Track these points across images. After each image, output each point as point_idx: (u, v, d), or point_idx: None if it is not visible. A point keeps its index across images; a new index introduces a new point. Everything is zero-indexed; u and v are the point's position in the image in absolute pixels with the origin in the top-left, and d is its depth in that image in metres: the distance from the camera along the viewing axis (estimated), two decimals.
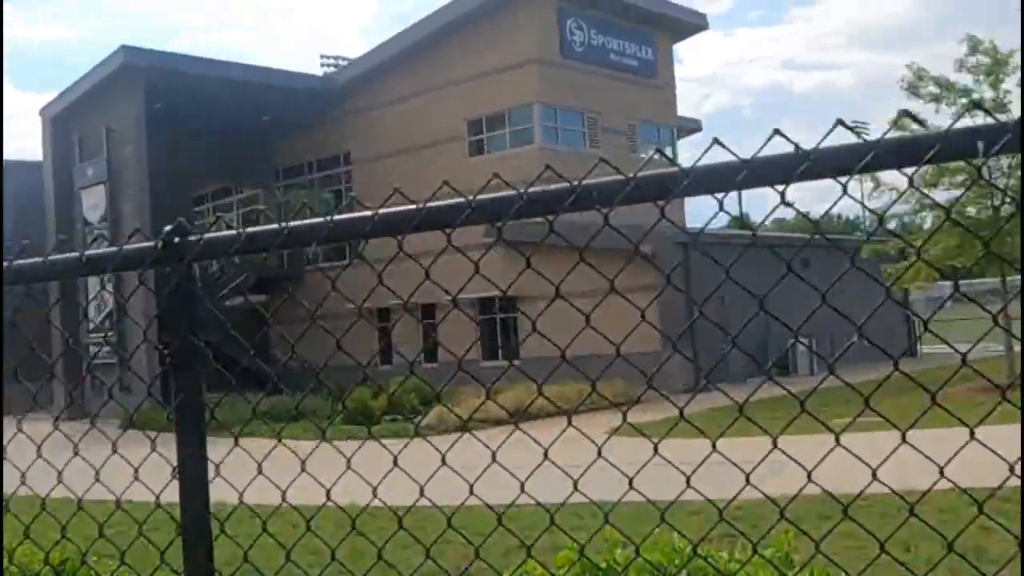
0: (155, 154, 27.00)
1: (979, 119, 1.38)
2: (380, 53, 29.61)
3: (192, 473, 1.81)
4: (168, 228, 1.77)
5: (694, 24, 31.55)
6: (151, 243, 1.80)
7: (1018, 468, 1.30)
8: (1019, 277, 20.41)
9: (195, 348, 1.80)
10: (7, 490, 2.35)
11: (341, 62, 33.30)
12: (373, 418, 17.75)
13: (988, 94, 17.36)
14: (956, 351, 1.46)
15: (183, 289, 1.79)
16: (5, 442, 2.26)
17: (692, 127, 36.89)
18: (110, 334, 27.51)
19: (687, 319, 20.81)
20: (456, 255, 1.71)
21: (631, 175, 1.51)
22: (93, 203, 28.79)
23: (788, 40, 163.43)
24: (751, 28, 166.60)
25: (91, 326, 27.74)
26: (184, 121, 28.27)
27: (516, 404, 17.16)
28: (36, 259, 2.00)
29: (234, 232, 1.74)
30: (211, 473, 1.97)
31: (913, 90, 18.08)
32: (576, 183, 1.55)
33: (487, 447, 1.71)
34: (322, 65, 34.01)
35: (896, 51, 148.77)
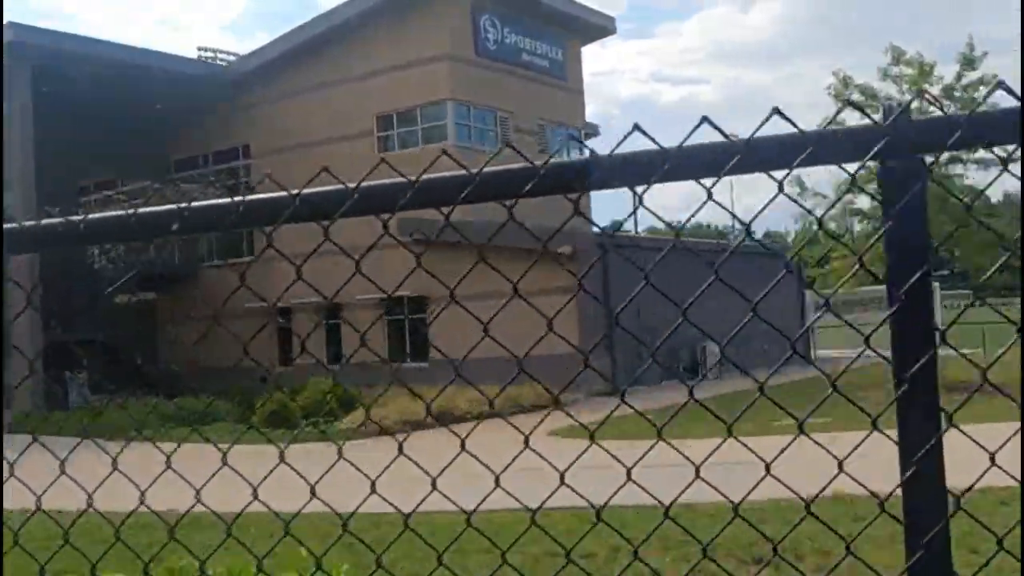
0: (42, 139, 25.29)
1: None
2: (284, 43, 28.62)
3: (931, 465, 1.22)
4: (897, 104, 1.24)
5: (602, 27, 31.86)
6: (869, 123, 1.25)
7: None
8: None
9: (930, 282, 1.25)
10: None
11: (221, 56, 32.00)
12: (292, 421, 17.15)
13: (913, 103, 18.24)
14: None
15: (917, 193, 1.23)
16: None
17: (591, 132, 37.57)
18: None
19: (606, 321, 20.86)
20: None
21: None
22: None
23: (657, 53, 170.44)
24: (623, 40, 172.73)
25: None
26: (73, 105, 26.54)
27: (440, 407, 16.92)
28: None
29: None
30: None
31: (839, 97, 18.79)
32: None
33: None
34: (200, 59, 32.72)
35: (756, 69, 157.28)
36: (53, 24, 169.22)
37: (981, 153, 17.77)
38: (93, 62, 26.03)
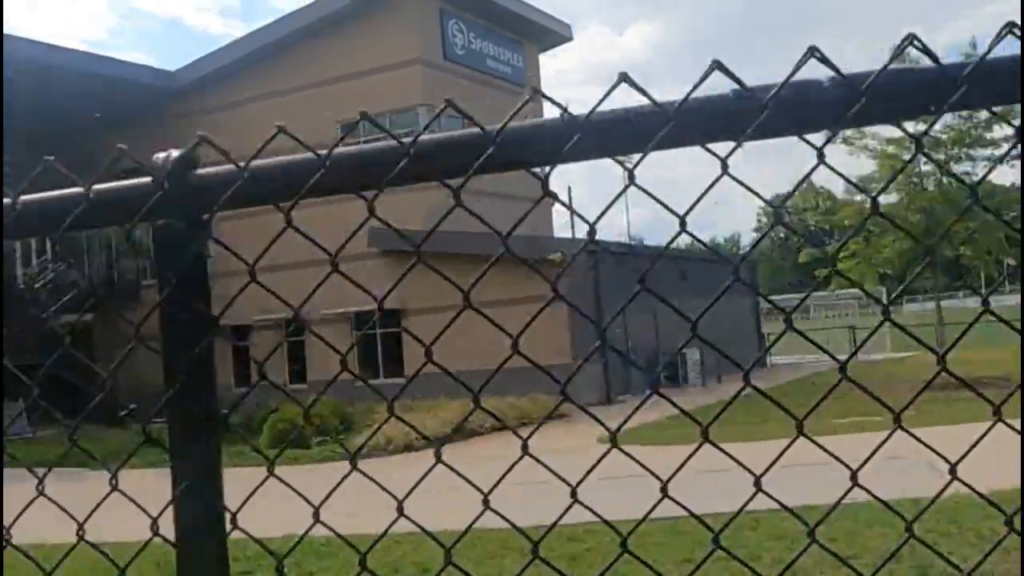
0: None
1: None
2: (241, 47, 27.48)
3: None
4: None
5: (560, 35, 31.79)
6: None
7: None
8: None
9: None
10: None
11: None
12: (305, 441, 16.06)
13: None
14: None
15: None
16: None
17: None
18: None
19: (598, 329, 20.40)
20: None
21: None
22: None
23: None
24: None
25: None
26: (7, 112, 25.12)
27: (454, 420, 16.44)
28: None
29: None
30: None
31: None
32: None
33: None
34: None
35: (630, 90, 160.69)
36: None
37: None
38: (33, 65, 24.50)
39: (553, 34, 31.49)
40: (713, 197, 1.14)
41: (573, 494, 1.18)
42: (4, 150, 25.63)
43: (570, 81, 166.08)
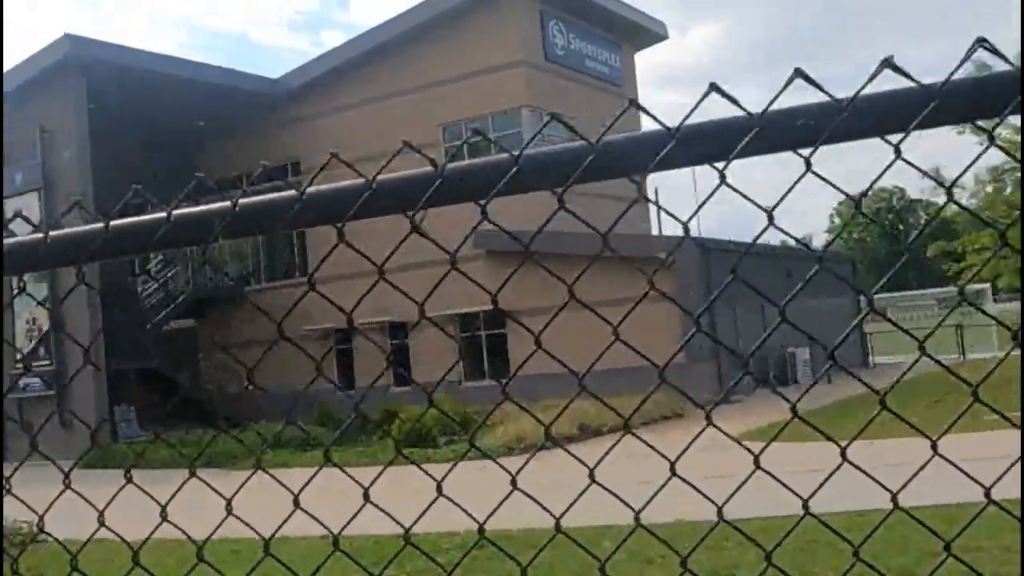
0: (99, 159, 23.83)
1: None
2: (341, 53, 27.78)
3: None
4: None
5: (656, 34, 31.31)
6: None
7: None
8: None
9: None
10: None
11: None
12: (432, 441, 16.17)
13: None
14: None
15: None
16: None
17: None
18: (45, 363, 24.07)
19: (709, 328, 19.92)
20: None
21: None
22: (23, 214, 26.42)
23: None
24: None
25: (19, 355, 23.59)
26: (122, 122, 25.74)
27: (579, 420, 16.27)
28: None
29: None
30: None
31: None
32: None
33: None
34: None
35: (695, 92, 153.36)
36: None
37: None
38: (146, 76, 24.90)
39: (649, 33, 31.15)
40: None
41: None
42: (126, 156, 26.72)
43: (647, 80, 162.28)
